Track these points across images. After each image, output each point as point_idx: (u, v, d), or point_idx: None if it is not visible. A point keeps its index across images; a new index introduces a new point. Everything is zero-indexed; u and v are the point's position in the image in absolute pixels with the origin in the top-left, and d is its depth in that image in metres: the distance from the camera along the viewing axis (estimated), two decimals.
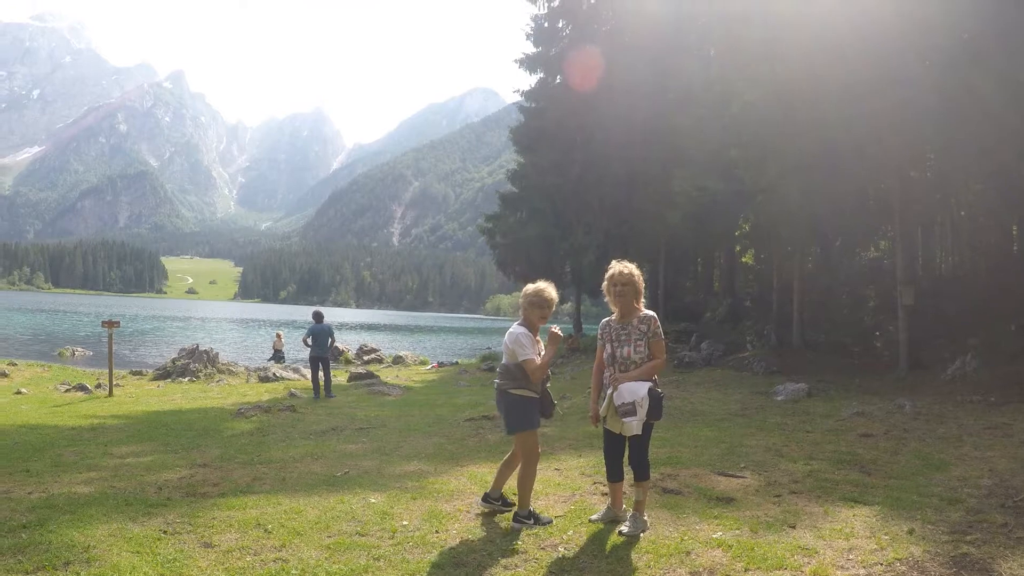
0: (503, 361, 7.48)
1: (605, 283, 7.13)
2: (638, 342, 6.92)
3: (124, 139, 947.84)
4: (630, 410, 6.70)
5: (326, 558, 6.19)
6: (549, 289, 7.40)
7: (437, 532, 7.00)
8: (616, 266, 7.09)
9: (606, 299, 7.23)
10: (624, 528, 6.85)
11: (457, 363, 36.29)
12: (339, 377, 25.24)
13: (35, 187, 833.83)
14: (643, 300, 7.11)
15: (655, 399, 6.76)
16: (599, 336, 7.30)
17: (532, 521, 7.27)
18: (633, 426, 6.70)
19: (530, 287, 7.45)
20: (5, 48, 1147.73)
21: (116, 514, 7.81)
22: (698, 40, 28.04)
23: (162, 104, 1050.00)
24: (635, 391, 6.72)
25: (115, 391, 23.84)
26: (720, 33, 25.07)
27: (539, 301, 7.31)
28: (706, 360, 25.92)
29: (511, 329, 7.39)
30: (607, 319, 7.27)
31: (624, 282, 6.97)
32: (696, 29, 27.91)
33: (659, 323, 7.00)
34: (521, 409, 7.35)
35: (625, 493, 7.34)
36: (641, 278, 7.09)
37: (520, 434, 7.42)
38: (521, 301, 7.57)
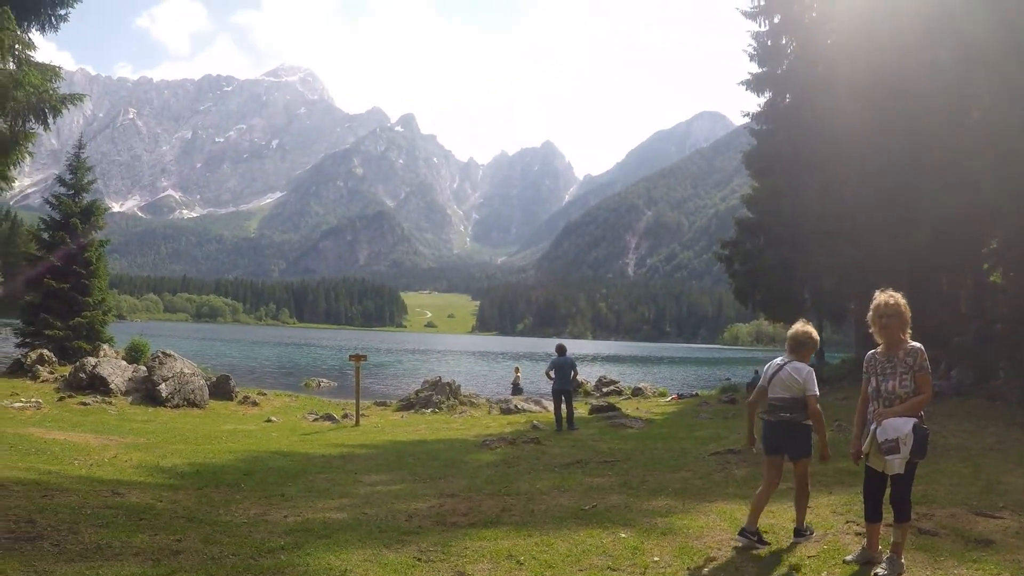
0: (783, 395, 7.78)
1: (870, 314, 6.98)
2: (903, 376, 6.75)
3: (361, 182, 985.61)
4: (893, 447, 6.51)
5: None
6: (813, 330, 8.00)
7: (689, 569, 6.91)
8: (881, 296, 6.96)
9: (871, 330, 7.06)
10: (880, 570, 6.58)
11: (697, 394, 35.83)
12: (580, 409, 25.25)
13: (278, 229, 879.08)
14: (909, 331, 6.90)
15: (919, 436, 6.50)
16: (864, 369, 7.16)
17: (810, 533, 7.97)
18: (895, 464, 6.54)
19: (801, 330, 7.94)
20: (244, 104, 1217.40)
21: (370, 540, 8.06)
22: (924, 43, 26.68)
23: (395, 147, 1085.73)
24: (899, 428, 6.52)
25: (361, 421, 24.69)
26: (950, 35, 23.95)
27: (813, 343, 7.94)
28: (956, 389, 24.56)
29: (796, 365, 7.79)
30: (872, 351, 7.11)
31: (889, 313, 6.82)
32: (918, 30, 26.57)
33: (926, 355, 6.75)
34: (809, 438, 7.85)
35: (880, 533, 7.10)
36: (907, 308, 6.88)
37: (803, 460, 7.86)
38: (803, 341, 7.92)
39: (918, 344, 6.81)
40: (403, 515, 9.51)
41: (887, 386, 6.80)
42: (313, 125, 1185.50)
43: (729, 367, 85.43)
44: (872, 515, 6.99)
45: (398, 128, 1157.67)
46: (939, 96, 23.94)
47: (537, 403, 29.36)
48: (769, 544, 7.80)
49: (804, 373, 7.71)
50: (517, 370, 38.56)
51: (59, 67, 15.14)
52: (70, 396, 25.70)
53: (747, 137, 38.84)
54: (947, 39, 24.32)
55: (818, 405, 7.66)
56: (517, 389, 35.48)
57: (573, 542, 7.93)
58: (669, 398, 34.68)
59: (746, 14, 36.13)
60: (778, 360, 8.05)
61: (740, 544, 7.69)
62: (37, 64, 14.49)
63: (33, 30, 15.34)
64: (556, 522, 8.97)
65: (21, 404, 22.56)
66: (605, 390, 38.39)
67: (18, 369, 31.07)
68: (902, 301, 6.86)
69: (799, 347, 7.93)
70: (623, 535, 8.22)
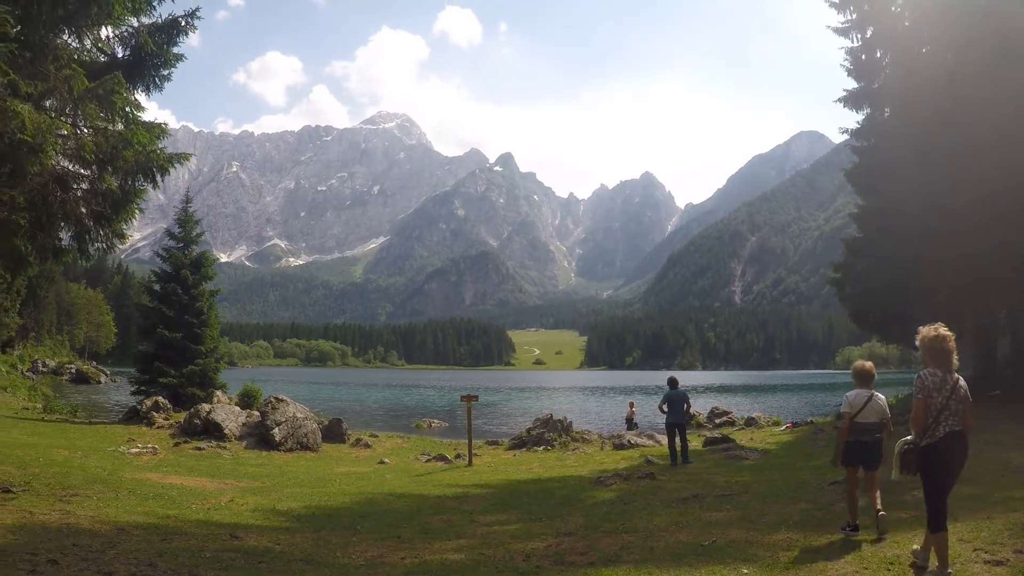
0: (874, 420, 9.72)
1: None
2: None
3: (463, 223, 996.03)
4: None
5: None
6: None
7: None
8: None
9: None
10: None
11: (811, 422, 35.02)
12: (694, 442, 24.87)
13: (383, 273, 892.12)
14: (936, 361, 7.98)
15: (900, 454, 8.00)
16: None
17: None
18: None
19: (870, 366, 10.12)
20: (344, 152, 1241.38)
21: None
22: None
23: (495, 187, 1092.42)
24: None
25: (474, 460, 24.74)
26: None
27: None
28: None
29: (879, 395, 9.85)
30: None
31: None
32: (1014, 29, 25.69)
33: (918, 382, 7.90)
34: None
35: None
36: (924, 341, 8.06)
37: (877, 470, 9.92)
38: (873, 374, 10.10)
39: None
40: (520, 555, 9.45)
41: None
42: (413, 170, 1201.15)
43: (844, 392, 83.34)
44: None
45: (497, 168, 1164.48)
46: None
47: (650, 437, 28.93)
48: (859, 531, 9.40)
49: (884, 401, 9.89)
50: (632, 404, 38.09)
51: (165, 124, 15.50)
52: (185, 441, 26.36)
53: (848, 155, 38.14)
54: None
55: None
56: (632, 424, 35.07)
57: None
58: (783, 427, 33.98)
59: (837, 31, 35.52)
60: (862, 391, 9.86)
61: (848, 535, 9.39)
62: (144, 123, 14.84)
63: (139, 91, 15.76)
64: (676, 559, 8.82)
65: (138, 450, 23.13)
66: (718, 421, 37.80)
67: (134, 416, 32.11)
68: (919, 335, 8.16)
69: (871, 379, 10.00)
70: (745, 571, 8.08)
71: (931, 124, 29.01)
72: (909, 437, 7.93)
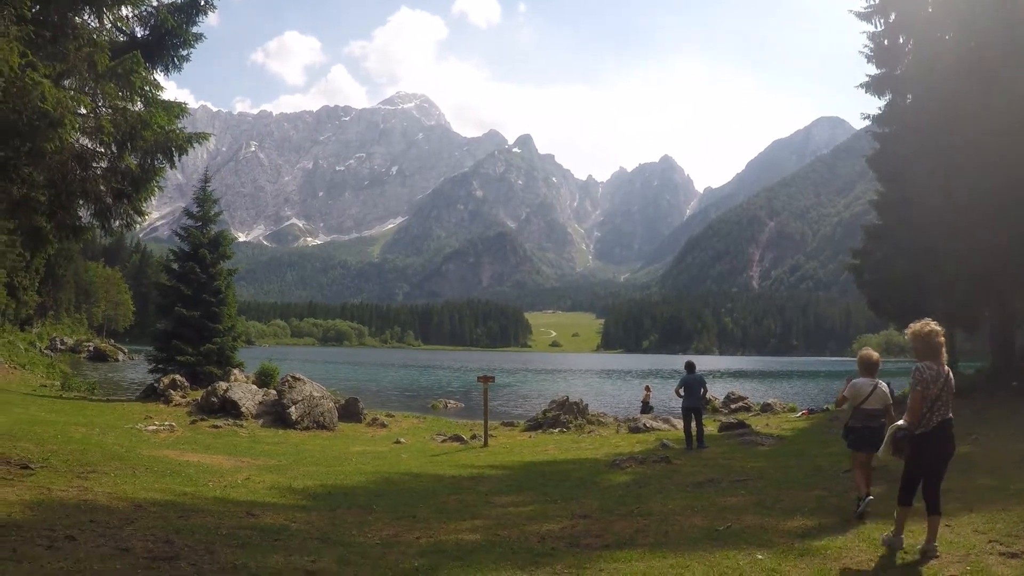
0: (878, 407, 10.35)
1: None
2: None
3: (481, 204, 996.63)
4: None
5: None
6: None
7: None
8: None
9: None
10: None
11: (827, 409, 34.89)
12: (709, 427, 24.80)
13: (401, 254, 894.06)
14: (931, 354, 8.44)
15: (891, 437, 8.34)
16: None
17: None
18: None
19: (876, 356, 10.66)
20: (362, 132, 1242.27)
21: (504, 562, 8.04)
22: None
23: (513, 168, 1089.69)
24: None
25: (489, 441, 24.79)
26: None
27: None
28: None
29: (883, 383, 10.44)
30: None
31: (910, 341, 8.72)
32: None
33: (916, 374, 8.34)
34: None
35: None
36: (919, 335, 8.47)
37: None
38: (878, 364, 10.56)
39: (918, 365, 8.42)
40: (536, 537, 9.47)
41: None
42: (431, 150, 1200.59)
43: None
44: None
45: (516, 149, 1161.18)
46: None
47: (666, 421, 28.89)
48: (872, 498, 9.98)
49: (888, 389, 10.46)
50: (648, 388, 38.12)
51: (184, 103, 15.51)
52: (202, 419, 26.48)
53: (869, 141, 37.84)
54: None
55: None
56: (647, 408, 35.07)
57: (709, 564, 7.82)
58: (799, 413, 33.90)
59: (860, 15, 35.11)
60: (867, 380, 10.39)
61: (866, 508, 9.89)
62: (163, 102, 14.86)
63: (158, 71, 15.78)
64: (691, 543, 8.85)
65: (155, 427, 23.25)
66: (733, 407, 37.73)
67: (151, 394, 32.23)
68: (910, 330, 8.59)
69: (876, 369, 10.52)
70: (760, 556, 8.07)
71: (951, 112, 28.77)
72: (901, 422, 8.31)
